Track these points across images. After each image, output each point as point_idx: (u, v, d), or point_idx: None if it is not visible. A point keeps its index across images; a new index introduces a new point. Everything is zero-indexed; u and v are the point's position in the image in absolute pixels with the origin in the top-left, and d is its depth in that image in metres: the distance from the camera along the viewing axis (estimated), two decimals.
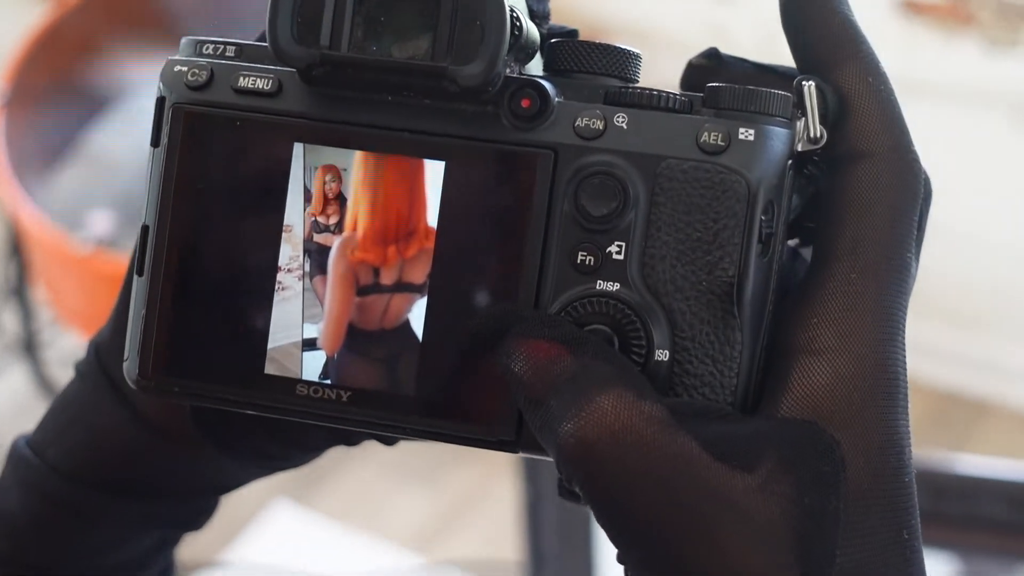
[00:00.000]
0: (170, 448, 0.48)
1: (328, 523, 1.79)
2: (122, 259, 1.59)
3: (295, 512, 1.80)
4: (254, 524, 1.77)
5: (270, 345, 0.43)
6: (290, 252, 0.43)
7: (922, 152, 0.41)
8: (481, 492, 1.85)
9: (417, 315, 0.42)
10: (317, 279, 0.43)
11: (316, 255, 0.42)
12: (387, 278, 0.42)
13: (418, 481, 1.84)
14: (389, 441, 0.49)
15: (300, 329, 0.43)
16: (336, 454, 0.51)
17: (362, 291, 0.42)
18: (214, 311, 0.43)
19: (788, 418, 0.39)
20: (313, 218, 0.42)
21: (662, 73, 0.58)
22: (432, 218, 0.42)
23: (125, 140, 1.78)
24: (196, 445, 0.48)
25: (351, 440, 0.50)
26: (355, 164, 0.42)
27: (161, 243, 0.43)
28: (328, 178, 0.42)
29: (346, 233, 0.42)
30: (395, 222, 0.42)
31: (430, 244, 0.42)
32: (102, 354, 0.48)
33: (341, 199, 0.42)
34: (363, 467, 1.85)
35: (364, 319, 0.42)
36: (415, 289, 0.42)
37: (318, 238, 0.43)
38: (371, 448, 0.50)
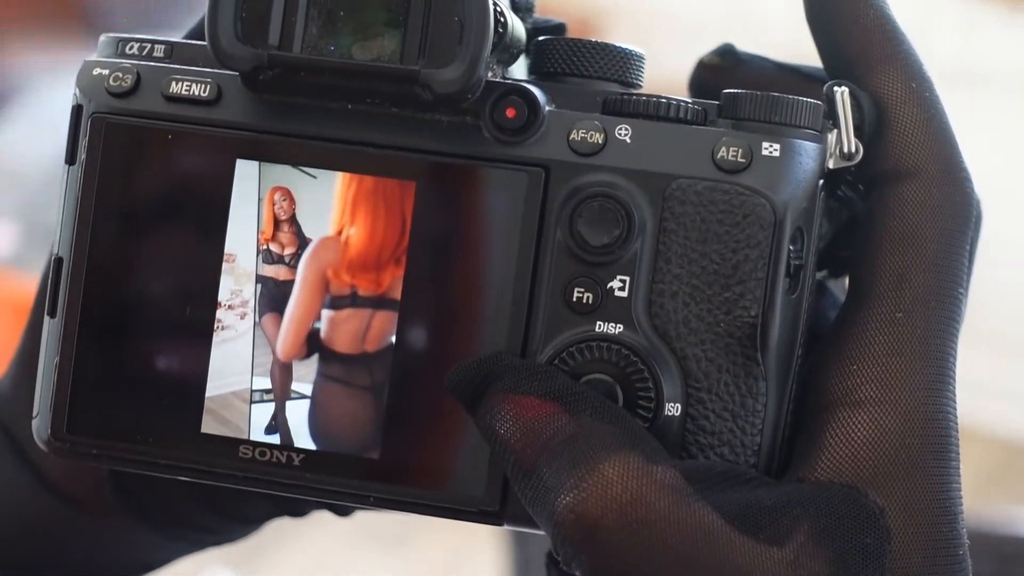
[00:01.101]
0: (81, 519, 0.48)
1: None
2: (27, 283, 1.58)
3: None
4: None
5: (208, 395, 0.43)
6: (232, 285, 0.43)
7: (981, 152, 0.41)
8: (458, 561, 1.85)
9: (384, 358, 0.42)
10: (267, 318, 0.43)
11: (266, 290, 0.43)
12: (364, 293, 0.42)
13: (383, 548, 1.83)
14: (343, 511, 0.50)
15: (248, 377, 0.43)
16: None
17: (334, 303, 0.42)
18: (141, 359, 0.43)
19: (823, 482, 0.40)
20: (266, 246, 0.43)
21: (666, 67, 0.58)
22: (398, 247, 0.42)
23: (32, 141, 1.78)
24: (113, 516, 0.48)
25: (298, 510, 0.50)
26: (338, 179, 0.42)
27: (78, 278, 0.43)
28: (278, 196, 0.42)
29: (330, 233, 0.42)
30: (398, 237, 0.42)
31: (398, 278, 0.42)
32: (0, 408, 0.48)
33: (295, 224, 0.42)
34: (317, 531, 1.84)
35: (334, 337, 0.42)
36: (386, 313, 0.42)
37: (268, 270, 0.43)
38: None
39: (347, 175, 0.42)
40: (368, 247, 0.42)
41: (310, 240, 0.42)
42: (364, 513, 0.47)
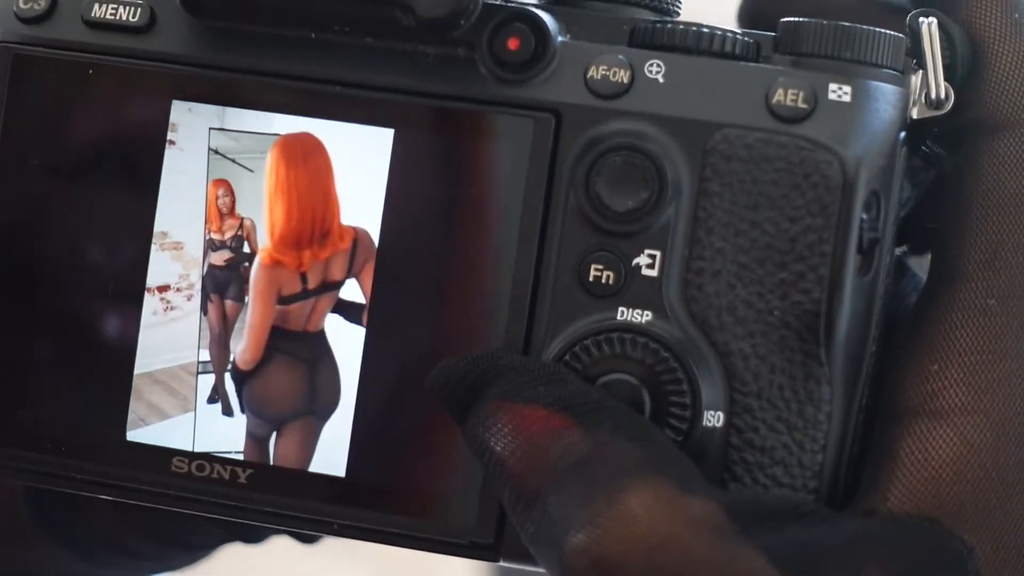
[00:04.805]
0: None
1: None
2: None
3: None
4: None
5: (144, 369, 0.42)
6: (180, 270, 0.43)
7: None
8: (428, 565, 1.85)
9: (349, 356, 0.41)
10: (210, 305, 0.43)
11: (211, 277, 0.43)
12: (313, 283, 0.42)
13: (343, 551, 1.84)
14: (308, 538, 0.49)
15: (195, 351, 0.43)
16: None
17: (285, 301, 0.43)
18: (54, 348, 0.43)
19: (898, 514, 0.39)
20: (208, 234, 0.42)
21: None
22: (370, 214, 0.41)
23: None
24: (31, 539, 0.48)
25: (254, 536, 0.49)
26: (270, 150, 0.42)
27: None
28: (220, 192, 0.42)
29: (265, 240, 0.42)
30: (314, 218, 0.42)
31: (368, 252, 0.41)
32: None
33: (236, 213, 0.43)
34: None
35: (285, 319, 0.43)
36: (349, 311, 0.42)
37: (213, 257, 0.43)
38: None
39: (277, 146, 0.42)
40: (321, 217, 0.42)
41: (249, 221, 0.43)
42: None
